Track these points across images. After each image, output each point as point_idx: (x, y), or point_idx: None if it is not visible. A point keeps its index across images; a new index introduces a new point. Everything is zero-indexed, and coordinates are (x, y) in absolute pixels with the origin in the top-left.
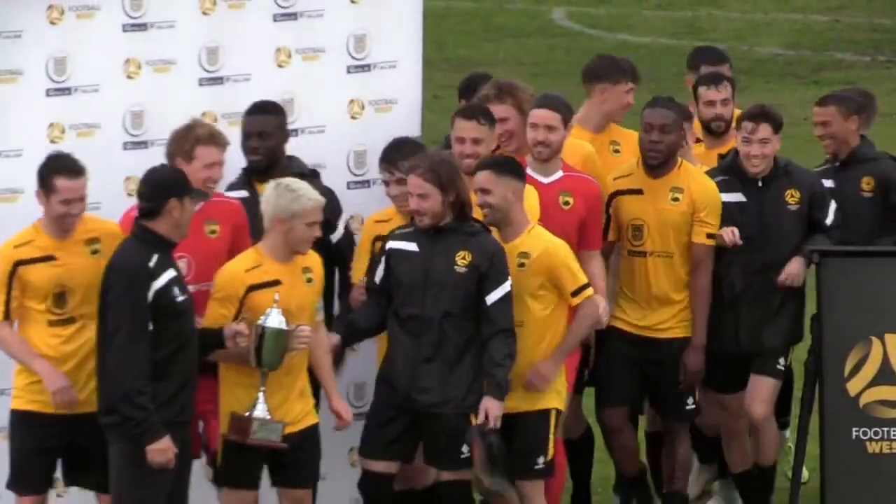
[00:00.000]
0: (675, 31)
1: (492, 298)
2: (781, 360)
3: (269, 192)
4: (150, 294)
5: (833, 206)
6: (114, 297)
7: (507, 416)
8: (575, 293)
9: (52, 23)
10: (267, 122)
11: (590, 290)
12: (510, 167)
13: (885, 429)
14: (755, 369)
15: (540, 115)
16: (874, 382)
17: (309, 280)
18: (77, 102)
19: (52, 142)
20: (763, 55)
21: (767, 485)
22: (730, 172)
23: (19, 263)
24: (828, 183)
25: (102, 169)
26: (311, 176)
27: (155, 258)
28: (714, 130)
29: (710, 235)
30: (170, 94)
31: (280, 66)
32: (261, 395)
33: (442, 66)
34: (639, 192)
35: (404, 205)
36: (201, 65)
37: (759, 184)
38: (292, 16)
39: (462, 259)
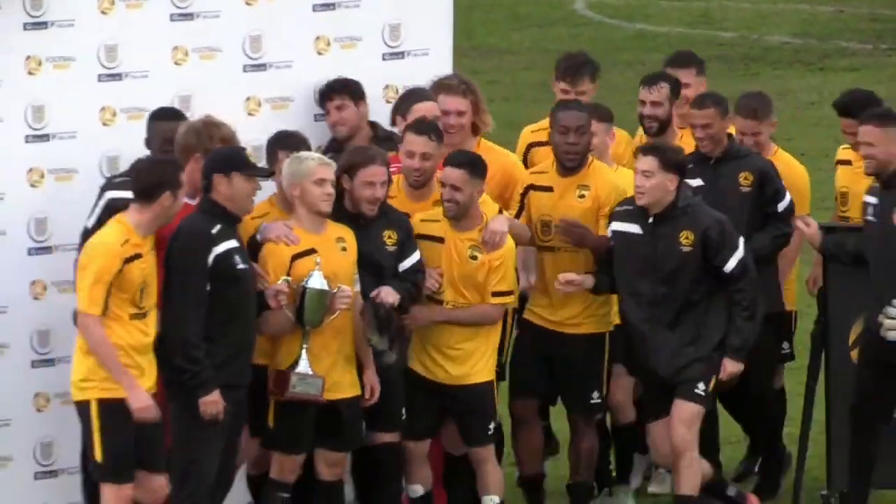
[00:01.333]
0: (690, 20)
1: None
2: (701, 386)
3: (284, 165)
4: (210, 258)
5: (738, 253)
6: (175, 258)
7: (454, 387)
8: (495, 294)
9: (103, 12)
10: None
11: (509, 299)
12: (480, 169)
13: None
14: (676, 394)
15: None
16: None
17: (343, 249)
18: (127, 87)
19: (105, 124)
20: (771, 43)
21: None
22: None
23: (127, 261)
24: (697, 182)
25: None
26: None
27: (218, 227)
28: (647, 131)
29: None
30: (215, 80)
31: (320, 53)
32: (303, 351)
33: (470, 53)
34: (549, 189)
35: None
36: (245, 52)
37: (651, 220)
38: (331, 6)
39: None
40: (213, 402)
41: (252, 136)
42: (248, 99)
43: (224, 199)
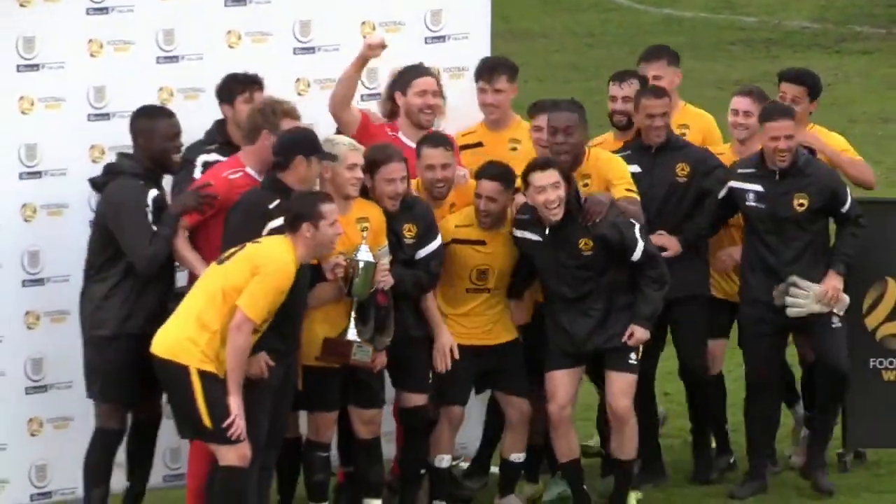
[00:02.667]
0: (714, 5)
1: None
2: (633, 356)
3: None
4: (265, 231)
5: (639, 245)
6: (232, 227)
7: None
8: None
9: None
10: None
11: None
12: (513, 180)
13: None
14: (609, 366)
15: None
16: (889, 318)
17: (364, 229)
18: (183, 69)
19: (163, 104)
20: (791, 28)
21: (627, 480)
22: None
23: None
24: (634, 168)
25: (208, 122)
26: None
27: (276, 202)
28: (615, 124)
29: (628, 189)
30: (266, 62)
31: (366, 37)
32: (352, 321)
33: (506, 36)
34: None
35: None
36: (295, 36)
37: (548, 231)
38: None
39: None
40: (256, 360)
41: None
42: (297, 80)
43: (297, 179)
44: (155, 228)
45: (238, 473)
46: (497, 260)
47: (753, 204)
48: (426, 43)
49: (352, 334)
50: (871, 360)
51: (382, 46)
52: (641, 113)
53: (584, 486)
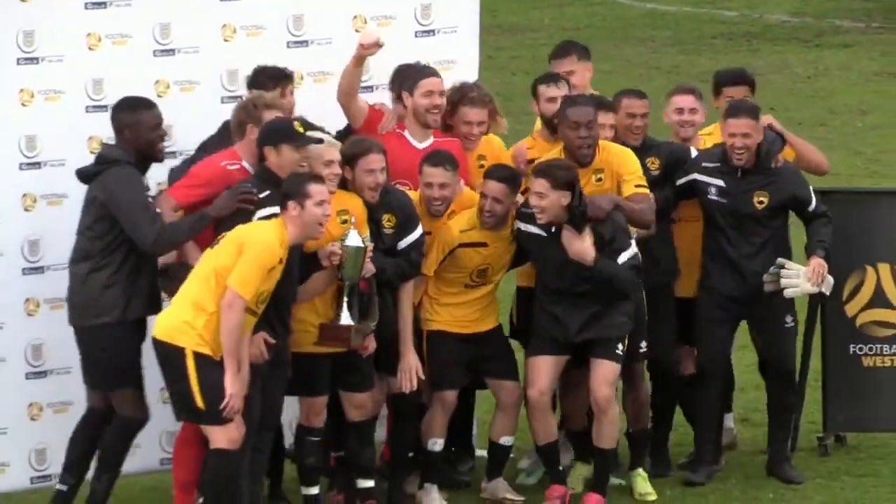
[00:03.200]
0: (696, 0)
1: None
2: (620, 346)
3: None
4: (255, 219)
5: (628, 251)
6: (225, 217)
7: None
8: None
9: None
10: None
11: None
12: (518, 183)
13: (878, 345)
14: (595, 354)
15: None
16: (868, 305)
17: (343, 221)
18: (179, 62)
19: (159, 96)
20: (771, 21)
21: (606, 468)
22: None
23: (279, 261)
24: None
25: (204, 114)
26: None
27: (267, 193)
28: (549, 124)
29: (638, 185)
30: (260, 55)
31: (357, 31)
32: (345, 304)
33: (494, 31)
34: None
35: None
36: (288, 30)
37: (553, 230)
38: None
39: None
40: (255, 341)
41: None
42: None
43: (276, 168)
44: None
45: (229, 456)
46: (497, 259)
47: (715, 198)
48: (416, 37)
49: (346, 318)
50: (851, 346)
51: (378, 45)
52: (621, 112)
53: (561, 468)
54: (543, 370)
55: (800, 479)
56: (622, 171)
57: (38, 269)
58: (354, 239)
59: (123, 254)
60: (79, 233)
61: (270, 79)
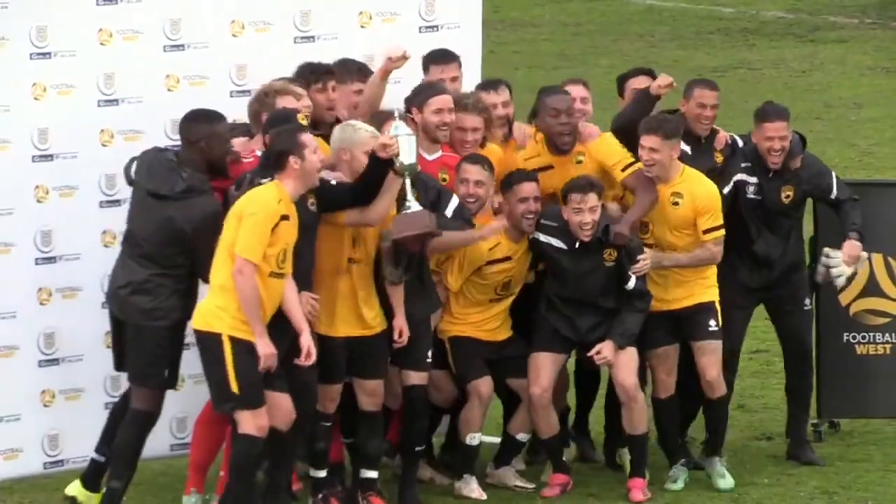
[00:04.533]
0: None
1: None
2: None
3: (335, 131)
4: None
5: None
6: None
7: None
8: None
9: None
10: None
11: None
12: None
13: (871, 334)
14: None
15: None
16: (862, 294)
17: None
18: (189, 57)
19: (169, 90)
20: (767, 18)
21: (642, 453)
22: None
23: (282, 218)
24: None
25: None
26: None
27: (269, 179)
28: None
29: (626, 167)
30: (268, 52)
31: (363, 27)
32: (410, 194)
33: (497, 26)
34: (549, 167)
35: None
36: (295, 26)
37: (577, 245)
38: None
39: None
40: (303, 299)
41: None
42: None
43: None
44: None
45: (256, 443)
46: (519, 271)
47: (752, 196)
48: (420, 32)
49: (415, 205)
50: (845, 334)
51: (404, 58)
52: (692, 102)
53: (564, 458)
54: (546, 367)
55: (821, 461)
56: (606, 161)
57: (51, 259)
58: (403, 128)
59: (187, 268)
60: (142, 241)
61: (315, 73)
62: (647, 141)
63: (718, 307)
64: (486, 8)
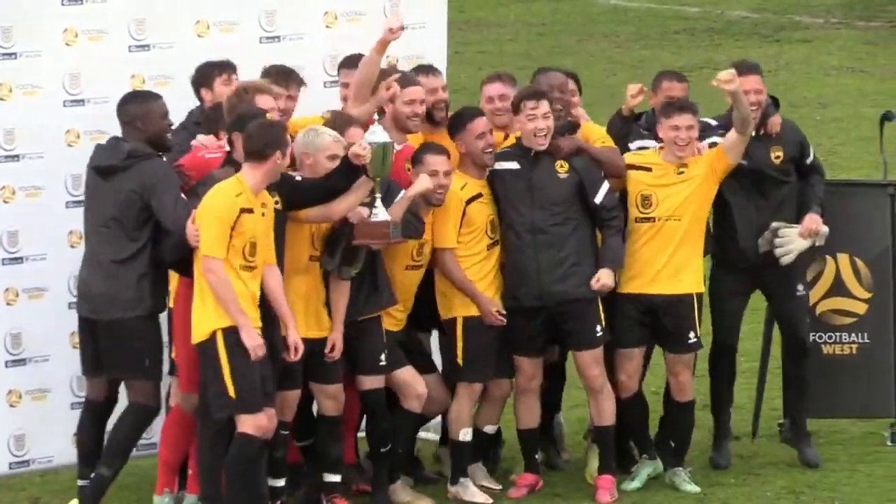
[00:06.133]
0: None
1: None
2: (598, 328)
3: (299, 136)
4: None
5: (604, 187)
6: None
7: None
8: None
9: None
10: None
11: None
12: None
13: (838, 334)
14: (574, 346)
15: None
16: (828, 294)
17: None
18: (154, 57)
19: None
20: (733, 17)
21: (609, 446)
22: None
23: (242, 211)
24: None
25: (180, 109)
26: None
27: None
28: (433, 118)
29: (603, 144)
30: (233, 51)
31: (328, 26)
32: (378, 201)
33: (462, 26)
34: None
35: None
36: (261, 26)
37: (532, 155)
38: None
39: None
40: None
41: None
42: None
43: (237, 156)
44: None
45: (254, 442)
46: (496, 210)
47: (740, 161)
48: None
49: (382, 214)
50: (812, 334)
51: (401, 28)
52: (662, 94)
53: (536, 456)
54: (524, 364)
55: (816, 461)
56: (590, 136)
57: (17, 260)
58: (381, 135)
59: (150, 247)
60: (100, 228)
61: (217, 67)
62: (682, 120)
63: (696, 303)
64: (451, 8)
